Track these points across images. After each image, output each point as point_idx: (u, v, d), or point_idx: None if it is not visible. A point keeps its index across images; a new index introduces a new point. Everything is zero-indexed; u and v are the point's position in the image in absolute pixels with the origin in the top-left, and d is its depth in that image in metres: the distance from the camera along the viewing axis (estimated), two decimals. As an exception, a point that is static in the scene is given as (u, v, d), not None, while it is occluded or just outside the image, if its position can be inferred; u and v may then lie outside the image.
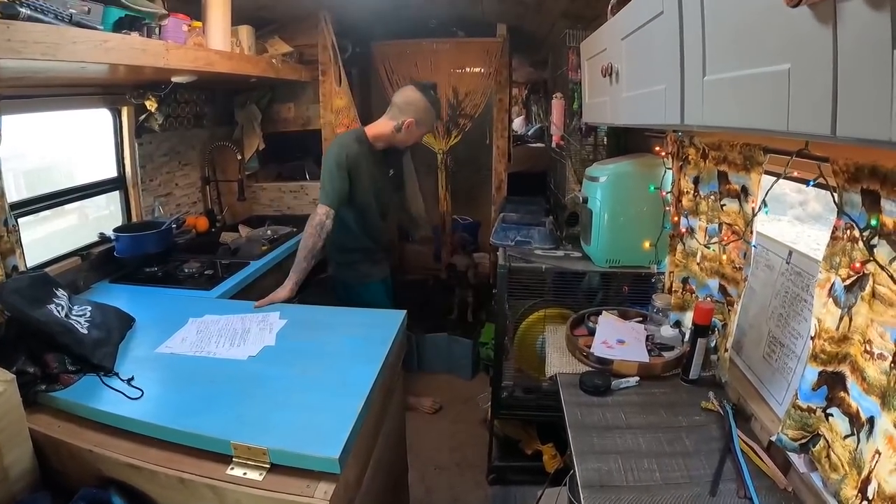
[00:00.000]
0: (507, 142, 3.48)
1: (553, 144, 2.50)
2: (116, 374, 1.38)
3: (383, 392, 1.49)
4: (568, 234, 2.19)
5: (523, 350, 2.11)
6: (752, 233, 1.25)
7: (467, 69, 3.30)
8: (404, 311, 1.75)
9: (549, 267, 1.88)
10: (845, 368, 1.00)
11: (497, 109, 3.43)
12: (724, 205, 1.38)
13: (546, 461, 2.20)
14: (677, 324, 1.73)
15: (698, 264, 1.59)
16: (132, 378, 1.35)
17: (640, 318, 1.84)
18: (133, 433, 1.20)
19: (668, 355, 1.64)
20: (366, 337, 1.59)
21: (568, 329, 1.77)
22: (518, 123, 6.66)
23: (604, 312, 1.81)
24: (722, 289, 1.49)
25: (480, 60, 3.26)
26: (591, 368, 1.61)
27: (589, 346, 1.66)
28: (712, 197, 1.47)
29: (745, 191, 1.28)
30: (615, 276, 1.93)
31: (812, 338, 1.06)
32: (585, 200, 1.86)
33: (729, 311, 1.47)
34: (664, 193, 1.74)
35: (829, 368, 1.01)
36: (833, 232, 0.99)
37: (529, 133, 5.97)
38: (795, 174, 1.09)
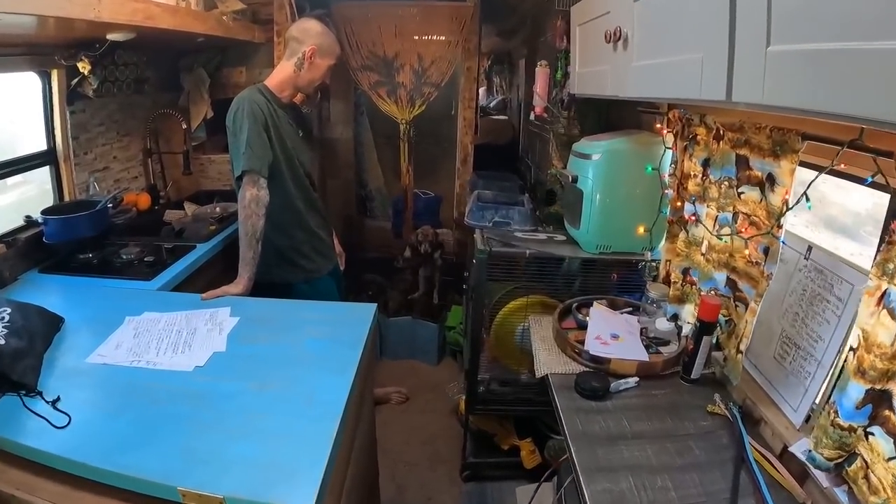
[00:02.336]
0: (475, 113, 3.27)
1: (532, 117, 2.32)
2: (40, 394, 1.13)
3: (356, 404, 1.30)
4: (547, 215, 2.03)
5: (500, 340, 1.96)
6: (779, 227, 1.11)
7: (434, 36, 3.04)
8: (374, 305, 1.55)
9: (534, 252, 1.71)
10: (893, 386, 0.89)
11: (465, 78, 3.20)
12: (742, 192, 1.24)
13: (524, 457, 2.08)
14: (674, 317, 1.61)
15: (703, 255, 1.46)
16: (58, 399, 1.10)
17: (631, 309, 1.72)
18: (63, 471, 0.97)
19: (666, 352, 1.53)
20: (333, 338, 1.38)
21: (556, 322, 1.62)
22: (480, 95, 6.42)
23: (595, 304, 1.67)
24: (731, 283, 1.37)
25: (448, 27, 3.01)
26: (584, 367, 1.47)
27: (581, 342, 1.53)
28: (726, 183, 1.33)
29: (771, 179, 1.14)
30: (600, 261, 1.78)
31: (853, 349, 0.94)
32: (575, 180, 1.69)
33: (737, 307, 1.35)
34: (664, 175, 1.59)
35: (878, 386, 0.90)
36: (889, 236, 0.86)
37: (491, 105, 5.76)
38: (842, 167, 0.95)
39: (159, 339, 1.34)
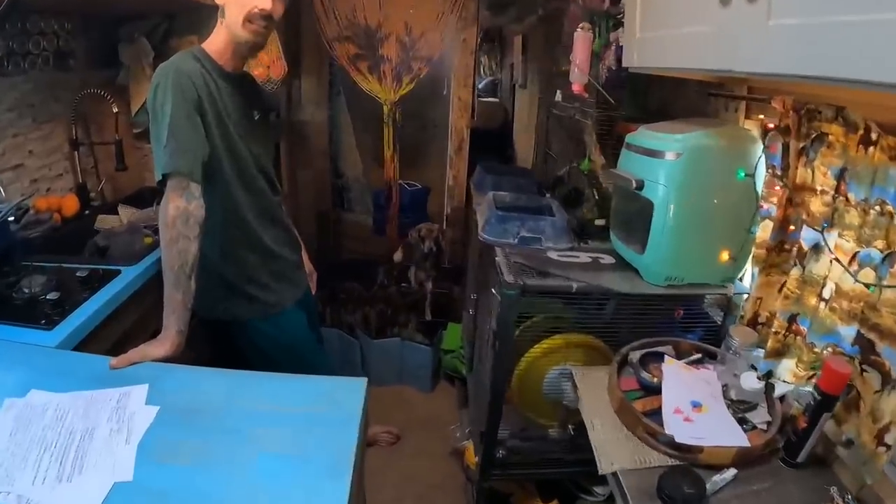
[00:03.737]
0: (472, 93, 2.81)
1: (559, 97, 1.87)
2: None
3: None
4: (587, 227, 1.60)
5: (524, 388, 1.54)
6: None
7: (425, 3, 2.56)
8: (363, 383, 1.11)
9: (583, 287, 1.27)
10: None
11: (461, 52, 2.73)
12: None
13: (550, 526, 1.68)
14: (768, 374, 1.21)
15: (825, 300, 1.06)
16: None
17: (700, 356, 1.32)
18: None
19: (760, 423, 1.14)
20: (302, 454, 0.89)
21: (614, 385, 1.20)
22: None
23: (667, 359, 1.25)
24: (863, 343, 0.98)
25: (441, -8, 2.53)
26: (662, 453, 1.07)
27: (652, 414, 1.12)
28: (877, 207, 0.92)
29: None
30: (664, 296, 1.36)
31: None
32: (640, 186, 1.25)
33: (863, 372, 0.97)
34: (771, 185, 1.17)
35: None
36: None
37: (480, 86, 5.30)
38: None
39: (42, 446, 0.87)
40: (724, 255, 1.27)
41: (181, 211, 1.15)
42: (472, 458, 1.81)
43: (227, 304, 1.44)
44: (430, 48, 2.62)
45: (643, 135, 1.33)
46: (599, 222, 1.75)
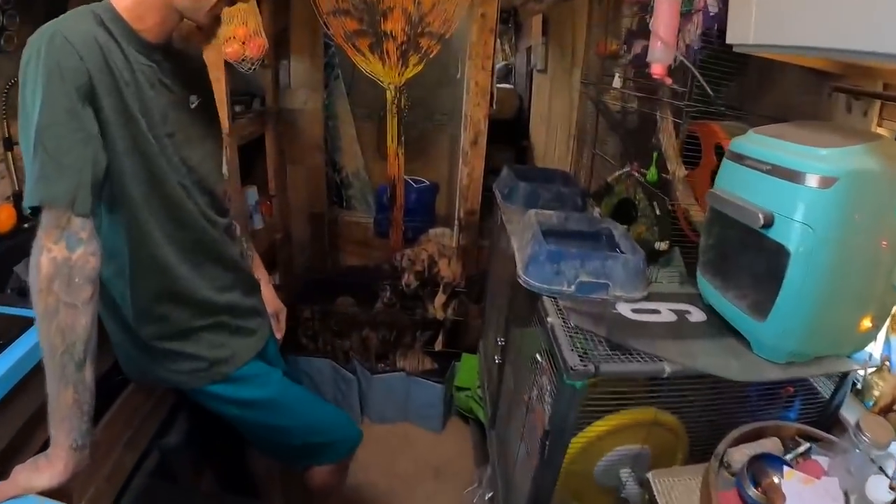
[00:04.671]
0: (491, 77, 2.40)
1: (617, 82, 1.45)
2: None
3: None
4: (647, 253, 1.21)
5: (570, 470, 1.16)
6: None
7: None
8: None
9: (678, 370, 0.88)
10: None
11: (477, 29, 2.31)
12: None
13: None
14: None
15: None
16: None
17: (808, 446, 0.94)
18: None
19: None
20: None
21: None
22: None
23: (786, 472, 0.87)
24: None
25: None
26: None
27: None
28: None
29: None
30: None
31: None
32: (769, 221, 0.84)
33: None
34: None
35: None
36: None
37: (491, 71, 4.91)
38: None
39: None
40: (867, 322, 0.88)
41: (60, 264, 0.75)
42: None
43: (160, 371, 1.06)
44: (442, 23, 2.21)
45: (758, 142, 0.93)
46: (661, 246, 1.38)
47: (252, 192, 2.42)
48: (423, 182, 3.12)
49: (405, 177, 2.76)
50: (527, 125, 4.01)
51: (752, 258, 0.92)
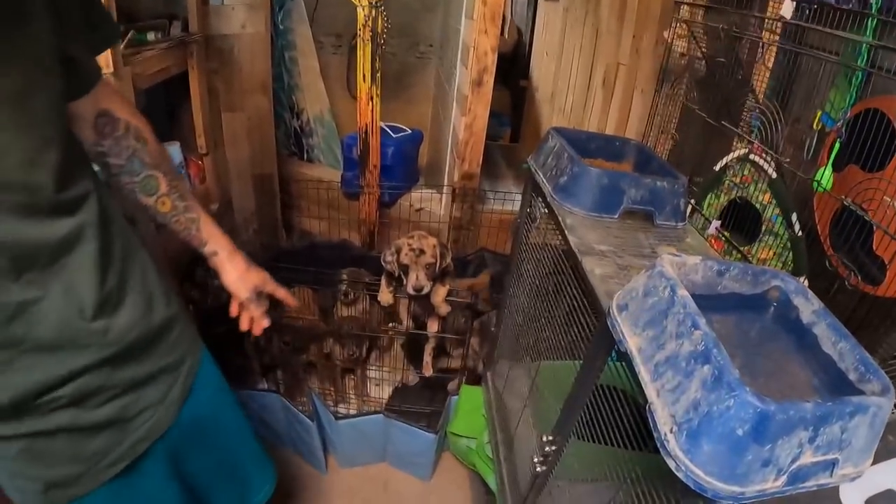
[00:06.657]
0: (503, -3, 1.76)
1: (773, 18, 0.85)
2: None
3: None
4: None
5: None
6: None
7: None
8: None
9: None
10: None
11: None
12: None
13: None
14: None
15: None
16: None
17: None
18: None
19: None
20: None
21: None
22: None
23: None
24: None
25: None
26: None
27: None
28: None
29: None
30: None
31: None
32: None
33: None
34: None
35: None
36: None
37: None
38: None
39: None
40: None
41: None
42: None
43: None
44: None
45: None
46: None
47: (175, 150, 1.79)
48: (404, 130, 2.49)
49: (381, 123, 2.13)
50: (527, 63, 3.36)
51: None
